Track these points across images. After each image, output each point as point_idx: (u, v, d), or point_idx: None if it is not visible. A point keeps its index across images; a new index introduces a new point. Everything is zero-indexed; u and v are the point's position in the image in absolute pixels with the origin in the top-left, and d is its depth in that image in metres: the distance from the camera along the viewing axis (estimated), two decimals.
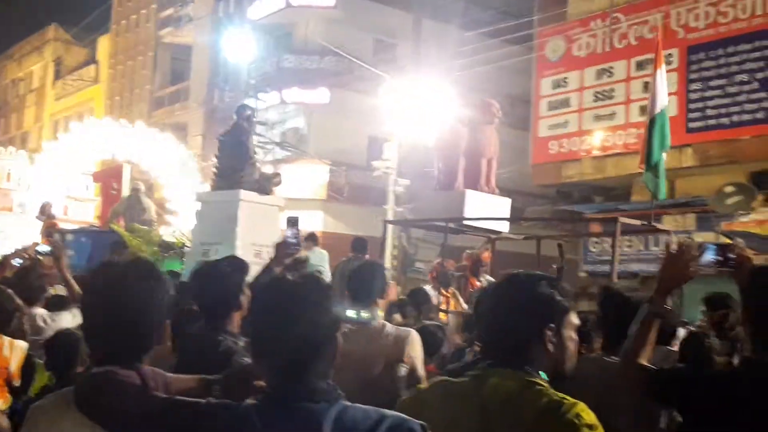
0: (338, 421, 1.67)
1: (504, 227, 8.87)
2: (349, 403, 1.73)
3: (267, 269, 3.54)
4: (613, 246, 8.07)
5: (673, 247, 2.61)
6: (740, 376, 2.41)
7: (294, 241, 3.44)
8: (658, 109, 7.24)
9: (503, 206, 8.69)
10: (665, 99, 7.35)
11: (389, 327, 3.79)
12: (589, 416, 1.94)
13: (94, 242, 10.56)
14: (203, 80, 29.30)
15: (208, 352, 2.94)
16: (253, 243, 8.57)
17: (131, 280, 1.93)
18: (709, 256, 2.76)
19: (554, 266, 6.70)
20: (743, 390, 2.35)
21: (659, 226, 6.75)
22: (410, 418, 1.75)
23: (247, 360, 3.11)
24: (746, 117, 14.41)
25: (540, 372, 2.08)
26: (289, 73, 23.96)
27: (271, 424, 1.66)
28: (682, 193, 15.66)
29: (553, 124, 17.46)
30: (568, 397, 1.99)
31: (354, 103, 21.65)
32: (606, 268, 13.72)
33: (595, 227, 16.40)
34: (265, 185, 8.99)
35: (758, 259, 5.00)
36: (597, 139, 16.68)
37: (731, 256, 2.80)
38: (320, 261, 9.49)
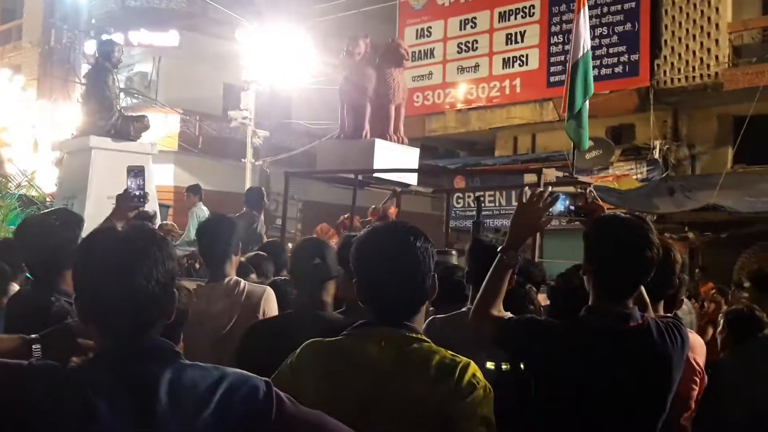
0: (174, 382, 1.60)
1: (412, 180, 8.58)
2: (188, 362, 1.66)
3: (105, 224, 3.39)
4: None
5: (525, 195, 2.69)
6: (584, 325, 2.52)
7: (138, 192, 3.30)
8: (581, 53, 7.13)
9: (412, 157, 8.40)
10: (588, 43, 7.25)
11: (243, 283, 3.76)
12: (481, 376, 2.01)
13: None
14: (38, 18, 27.48)
15: (37, 314, 2.80)
16: (110, 196, 8.27)
17: None
18: (560, 206, 2.86)
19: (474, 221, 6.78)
20: (586, 338, 2.48)
21: (581, 178, 6.81)
22: (253, 375, 1.70)
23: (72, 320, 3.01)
24: (605, 71, 15.10)
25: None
26: (136, 12, 22.88)
27: (99, 386, 1.57)
28: (542, 148, 16.33)
29: (418, 75, 17.65)
30: (457, 356, 2.03)
31: (208, 47, 20.98)
32: (470, 223, 14.16)
33: (459, 181, 16.87)
34: (125, 129, 8.46)
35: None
36: (461, 91, 17.03)
37: (581, 204, 2.89)
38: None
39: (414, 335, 2.06)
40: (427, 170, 12.38)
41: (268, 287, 3.86)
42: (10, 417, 1.56)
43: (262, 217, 8.39)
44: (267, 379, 1.71)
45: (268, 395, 1.67)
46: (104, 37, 9.81)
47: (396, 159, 8.04)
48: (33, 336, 2.04)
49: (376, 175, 8.03)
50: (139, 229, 1.72)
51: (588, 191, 3.25)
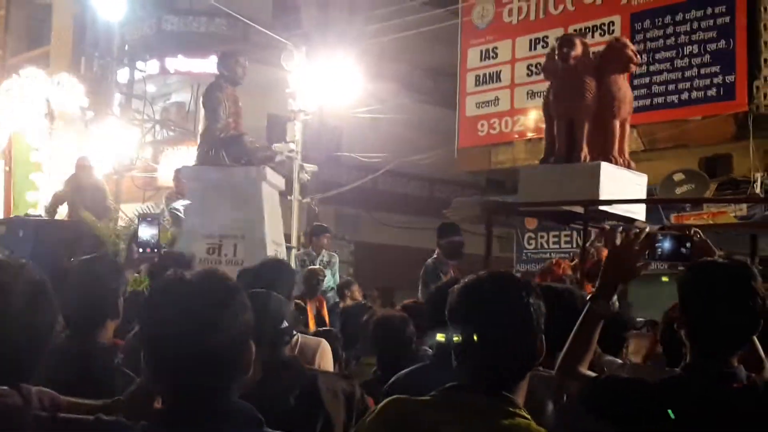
0: None
1: (641, 213, 7.36)
2: (269, 430, 1.69)
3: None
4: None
5: (619, 237, 2.63)
6: (677, 386, 2.43)
7: (152, 241, 3.35)
8: None
9: (640, 184, 7.34)
10: None
11: (297, 336, 3.83)
12: None
13: (37, 236, 9.33)
14: (67, 45, 28.35)
15: (77, 367, 2.83)
16: (277, 242, 8.36)
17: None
18: (663, 247, 2.77)
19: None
20: (679, 401, 2.39)
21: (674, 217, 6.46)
22: None
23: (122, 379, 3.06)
24: (697, 95, 14.89)
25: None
26: (172, 37, 23.43)
27: None
28: None
29: (482, 101, 17.67)
30: None
31: (250, 74, 21.34)
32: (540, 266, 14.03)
33: (531, 220, 16.74)
34: (263, 160, 8.77)
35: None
36: (531, 119, 16.96)
37: (687, 246, 2.81)
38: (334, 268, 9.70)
39: (512, 409, 1.98)
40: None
41: (323, 340, 3.91)
42: None
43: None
44: None
45: None
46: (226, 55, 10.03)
47: (623, 187, 7.01)
48: (114, 400, 2.09)
49: (602, 207, 6.86)
50: (214, 279, 1.73)
51: (693, 231, 3.11)
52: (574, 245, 15.90)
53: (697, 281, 2.48)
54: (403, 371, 3.38)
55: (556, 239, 16.35)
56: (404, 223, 20.98)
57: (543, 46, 16.87)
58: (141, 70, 22.79)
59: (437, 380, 2.11)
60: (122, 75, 20.81)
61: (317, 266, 9.85)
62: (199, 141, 9.00)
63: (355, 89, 17.65)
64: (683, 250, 2.83)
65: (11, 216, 11.45)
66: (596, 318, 2.59)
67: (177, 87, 24.30)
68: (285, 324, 2.99)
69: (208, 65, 23.12)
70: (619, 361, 4.27)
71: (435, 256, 8.22)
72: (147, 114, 22.89)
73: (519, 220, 16.78)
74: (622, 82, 7.02)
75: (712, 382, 2.37)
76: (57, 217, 11.13)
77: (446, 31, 18.82)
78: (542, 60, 16.68)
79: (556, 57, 7.03)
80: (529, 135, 16.98)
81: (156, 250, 3.33)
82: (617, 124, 7.01)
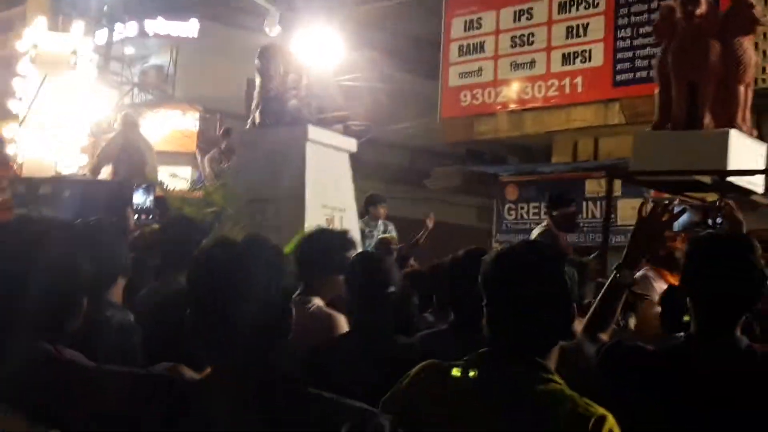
0: (300, 413, 1.69)
1: (760, 185, 6.86)
2: (314, 391, 1.75)
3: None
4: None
5: (647, 207, 2.68)
6: (686, 353, 2.50)
7: (148, 207, 3.43)
8: None
9: (762, 155, 6.96)
10: None
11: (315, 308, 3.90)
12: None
13: (83, 196, 8.99)
14: (43, 5, 27.97)
15: (94, 330, 2.87)
16: (327, 205, 7.96)
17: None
18: (690, 218, 2.84)
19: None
20: (690, 368, 2.45)
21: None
22: (376, 411, 1.79)
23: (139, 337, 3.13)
24: None
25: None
26: None
27: (220, 404, 1.68)
28: (606, 154, 16.21)
29: (465, 71, 17.66)
30: (592, 404, 1.97)
31: (231, 39, 21.19)
32: (523, 237, 14.10)
33: (512, 191, 16.83)
34: (328, 120, 8.53)
35: None
36: (514, 90, 17.00)
37: (718, 219, 2.87)
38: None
39: (545, 375, 2.02)
40: None
41: (341, 316, 3.97)
42: (131, 424, 1.68)
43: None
44: (390, 417, 1.78)
45: None
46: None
47: (748, 157, 6.65)
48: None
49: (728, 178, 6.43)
50: (258, 242, 1.76)
51: (723, 203, 3.13)
52: None
53: (699, 254, 2.55)
54: (419, 335, 3.43)
55: (536, 210, 16.43)
56: (383, 192, 20.97)
57: (527, 18, 16.86)
58: (119, 32, 22.56)
59: (454, 346, 2.16)
60: (100, 36, 20.56)
61: (388, 234, 9.70)
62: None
63: (336, 57, 17.57)
64: (711, 221, 2.91)
65: (57, 175, 11.17)
66: (621, 287, 2.65)
67: (156, 50, 24.10)
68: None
69: (188, 28, 22.95)
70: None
71: (544, 226, 8.04)
72: (125, 76, 22.70)
73: (499, 191, 16.85)
74: (747, 45, 6.64)
75: (714, 351, 2.43)
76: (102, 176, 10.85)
77: (430, 0, 18.77)
78: (527, 31, 16.84)
79: (679, 15, 6.68)
80: (512, 107, 17.01)
81: (151, 217, 3.40)
82: (742, 89, 6.60)
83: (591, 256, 6.71)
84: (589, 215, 15.56)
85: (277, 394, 1.69)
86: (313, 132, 8.18)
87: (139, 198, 3.13)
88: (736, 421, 2.33)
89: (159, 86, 23.32)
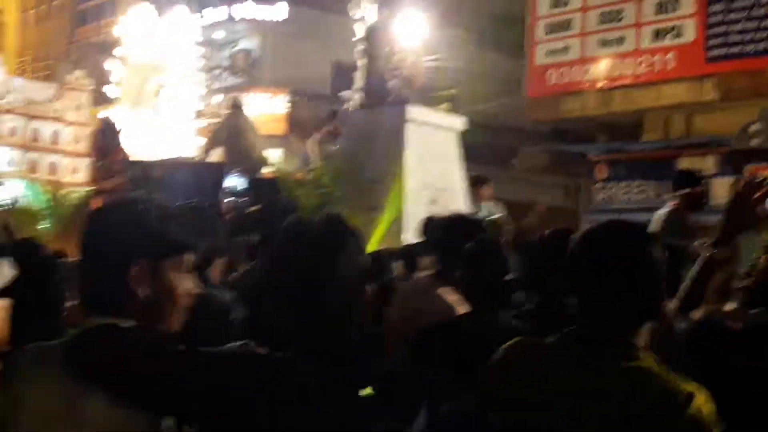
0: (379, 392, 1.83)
1: None
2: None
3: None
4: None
5: (741, 184, 2.65)
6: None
7: (239, 190, 3.53)
8: None
9: None
10: None
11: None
12: (709, 409, 1.94)
13: (194, 178, 9.13)
14: None
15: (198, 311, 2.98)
16: (427, 184, 7.94)
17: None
18: None
19: None
20: None
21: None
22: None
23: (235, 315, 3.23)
24: None
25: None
26: None
27: (309, 380, 1.72)
28: (700, 132, 15.82)
29: (552, 49, 17.43)
30: (682, 381, 1.97)
31: (318, 22, 21.39)
32: (613, 217, 13.88)
33: (601, 170, 16.59)
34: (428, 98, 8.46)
35: None
36: (602, 68, 16.72)
37: None
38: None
39: (635, 353, 2.03)
40: None
41: None
42: (224, 401, 1.70)
43: None
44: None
45: None
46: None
47: None
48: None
49: None
50: (333, 223, 1.85)
51: None
52: (646, 196, 15.72)
53: None
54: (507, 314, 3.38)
55: (626, 189, 16.16)
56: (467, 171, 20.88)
57: None
58: (207, 17, 22.94)
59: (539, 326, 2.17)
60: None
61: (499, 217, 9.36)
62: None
63: (421, 37, 17.53)
64: None
65: (170, 159, 11.41)
66: (714, 264, 2.63)
67: (244, 34, 24.43)
68: None
69: (276, 12, 23.22)
70: None
71: (672, 206, 7.85)
72: (214, 60, 23.09)
73: (587, 170, 16.61)
74: None
75: None
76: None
77: None
78: (616, 7, 16.51)
79: None
80: (600, 84, 16.74)
81: (246, 199, 3.50)
82: None
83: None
84: None
85: (352, 373, 1.75)
86: (415, 112, 8.18)
87: (235, 181, 3.20)
88: None
89: (247, 70, 23.65)
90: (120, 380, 1.71)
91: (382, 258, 5.48)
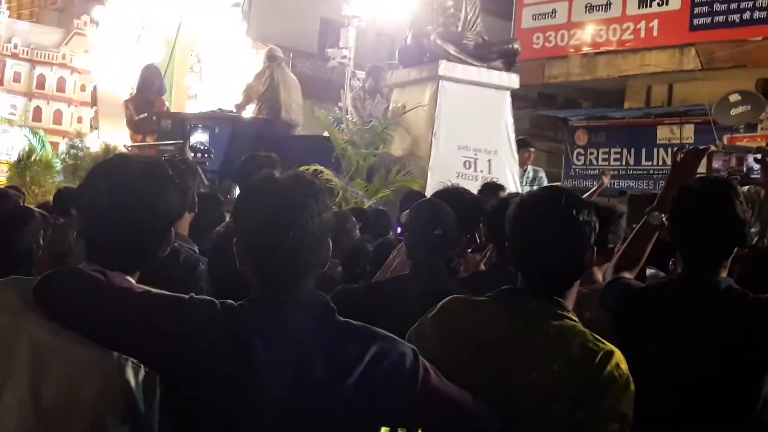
0: (328, 338, 1.84)
1: None
2: (341, 319, 1.90)
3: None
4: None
5: (679, 154, 2.81)
6: (674, 291, 2.65)
7: (204, 146, 3.55)
8: None
9: None
10: None
11: None
12: (626, 368, 2.07)
13: (233, 132, 9.17)
14: None
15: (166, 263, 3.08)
16: (462, 145, 7.56)
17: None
18: (725, 164, 2.93)
19: None
20: (676, 305, 2.60)
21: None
22: (401, 340, 1.91)
23: (204, 267, 3.33)
24: (759, 15, 14.57)
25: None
26: None
27: (257, 328, 1.82)
28: (680, 100, 15.96)
29: (539, 13, 17.46)
30: (601, 341, 2.10)
31: None
32: (591, 183, 14.08)
33: (581, 136, 16.74)
34: (484, 52, 7.96)
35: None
36: (588, 33, 16.77)
37: (755, 166, 2.96)
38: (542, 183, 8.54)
39: (561, 311, 2.16)
40: None
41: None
42: (173, 347, 1.81)
43: None
44: (414, 347, 1.91)
45: (414, 364, 1.87)
46: None
47: None
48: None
49: None
50: (298, 180, 1.94)
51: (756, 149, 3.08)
52: (623, 162, 15.89)
53: (684, 201, 2.67)
54: (464, 276, 3.50)
55: (605, 155, 16.33)
56: None
57: None
58: None
59: (494, 285, 2.32)
60: None
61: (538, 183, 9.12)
62: None
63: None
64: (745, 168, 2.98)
65: (211, 111, 11.00)
66: (652, 229, 2.79)
67: None
68: None
69: None
70: (662, 274, 4.42)
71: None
72: None
73: (569, 135, 16.76)
74: None
75: (698, 289, 2.59)
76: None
77: None
78: None
79: None
80: (585, 49, 16.81)
81: (208, 155, 3.51)
82: None
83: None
84: (660, 162, 15.39)
85: (306, 320, 1.83)
86: (449, 68, 7.77)
87: (196, 137, 3.15)
88: (708, 354, 2.49)
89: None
90: (80, 317, 1.84)
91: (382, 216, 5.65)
